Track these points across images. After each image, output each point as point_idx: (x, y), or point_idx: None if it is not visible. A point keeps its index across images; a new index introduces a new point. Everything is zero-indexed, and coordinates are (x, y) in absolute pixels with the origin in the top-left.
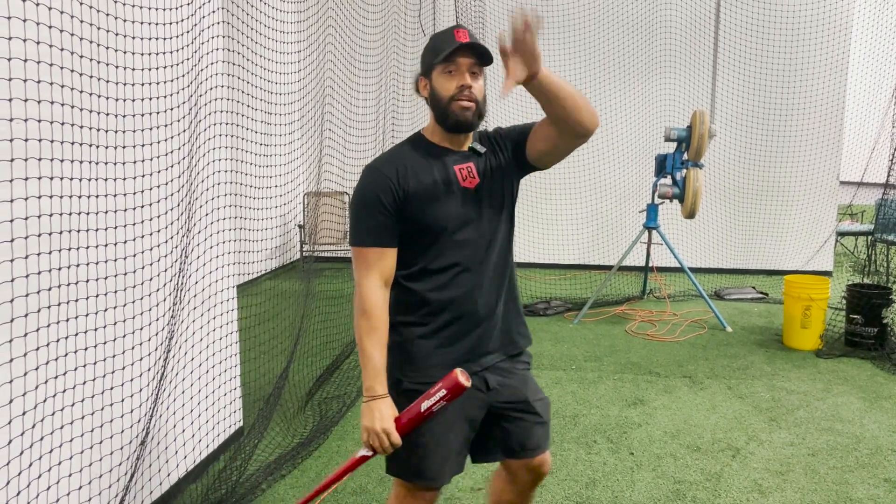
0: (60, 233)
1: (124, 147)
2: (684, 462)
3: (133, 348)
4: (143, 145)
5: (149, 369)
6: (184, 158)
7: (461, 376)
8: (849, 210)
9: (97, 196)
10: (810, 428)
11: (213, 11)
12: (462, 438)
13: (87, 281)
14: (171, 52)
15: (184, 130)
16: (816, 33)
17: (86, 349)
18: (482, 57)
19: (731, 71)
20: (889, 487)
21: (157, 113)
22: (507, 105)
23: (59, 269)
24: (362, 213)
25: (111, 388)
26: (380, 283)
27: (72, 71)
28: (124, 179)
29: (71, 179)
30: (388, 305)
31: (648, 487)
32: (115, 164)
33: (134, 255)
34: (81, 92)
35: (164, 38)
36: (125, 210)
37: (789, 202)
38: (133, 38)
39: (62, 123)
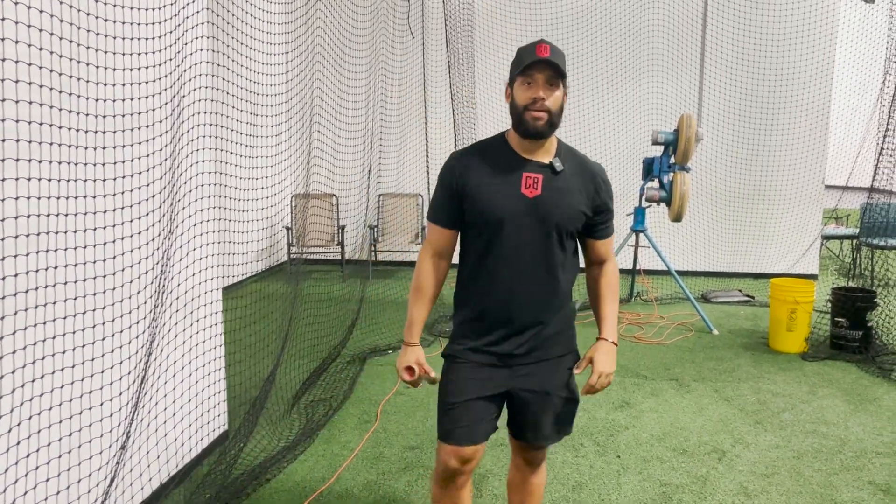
0: (38, 234)
1: (104, 148)
2: (671, 465)
3: (113, 351)
4: (123, 146)
5: (129, 373)
6: (166, 160)
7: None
8: (834, 214)
9: (76, 197)
10: (796, 430)
11: (198, 12)
12: (480, 411)
13: (66, 283)
14: (154, 53)
15: (166, 131)
16: (802, 38)
17: (63, 352)
18: (559, 71)
19: (717, 75)
20: (873, 490)
21: (139, 114)
22: (499, 114)
23: (38, 271)
24: (435, 192)
25: (90, 392)
26: (431, 253)
27: (51, 71)
28: (104, 181)
29: (49, 181)
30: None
31: (635, 490)
32: (94, 165)
33: (114, 258)
34: (61, 92)
35: (147, 39)
36: (105, 212)
37: (775, 206)
38: (115, 37)
39: (41, 124)
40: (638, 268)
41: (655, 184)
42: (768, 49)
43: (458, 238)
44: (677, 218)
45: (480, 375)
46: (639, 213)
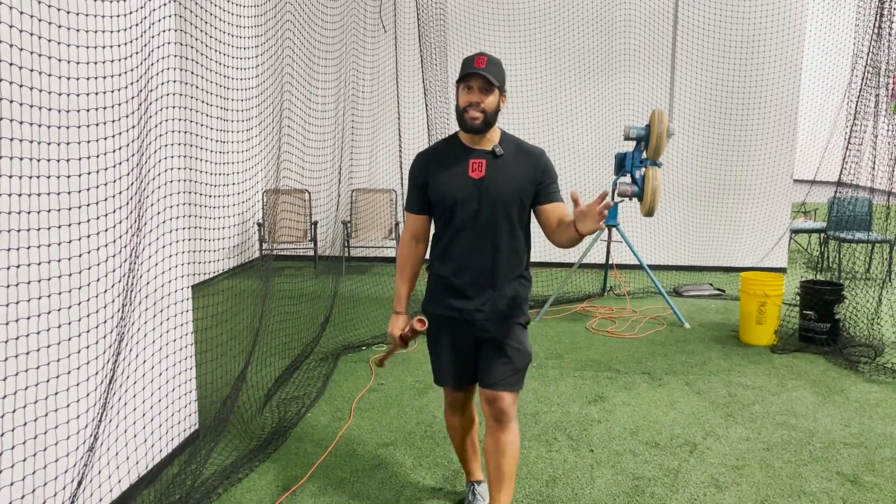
0: None
1: (68, 143)
2: (643, 458)
3: (80, 351)
4: (89, 141)
5: (96, 373)
6: (133, 155)
7: (417, 324)
8: (802, 208)
9: (40, 194)
10: (765, 423)
11: (165, 4)
12: (456, 360)
13: (29, 283)
14: (119, 46)
15: (133, 126)
16: (771, 34)
17: (28, 353)
18: (490, 82)
19: (688, 70)
20: (841, 481)
21: (105, 108)
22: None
23: None
24: (408, 188)
25: (55, 394)
26: (410, 236)
27: (10, 64)
28: (69, 177)
29: (10, 177)
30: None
31: (608, 484)
32: (59, 161)
33: (80, 256)
34: (21, 86)
35: (112, 31)
36: (70, 209)
37: (745, 200)
38: (78, 30)
39: (0, 119)
40: (610, 262)
41: (627, 179)
42: (738, 45)
43: (431, 222)
44: (649, 213)
45: (452, 333)
46: (611, 209)
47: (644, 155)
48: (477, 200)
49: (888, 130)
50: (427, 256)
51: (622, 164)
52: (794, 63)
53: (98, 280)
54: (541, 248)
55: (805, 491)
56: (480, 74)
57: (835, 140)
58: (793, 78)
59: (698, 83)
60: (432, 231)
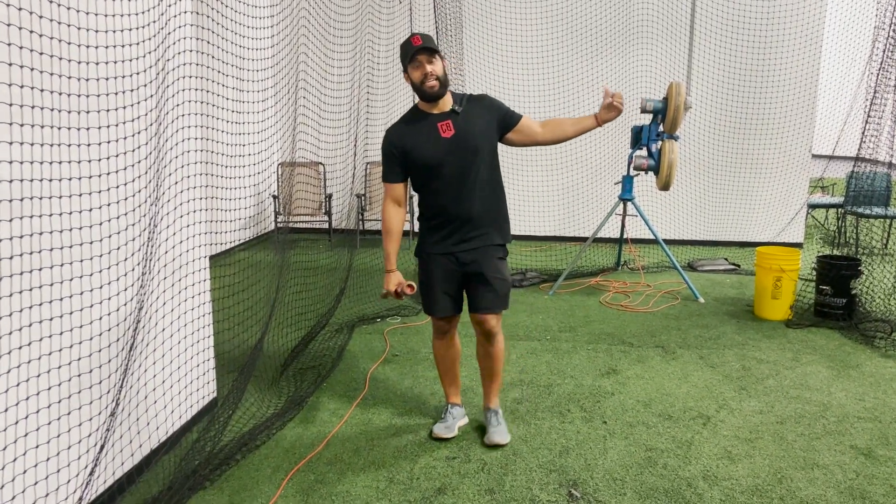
0: (21, 200)
1: (88, 112)
2: (656, 430)
3: (101, 318)
4: (107, 111)
5: (117, 340)
6: (150, 125)
7: (408, 289)
8: (820, 183)
9: (60, 162)
10: (779, 396)
11: None
12: (446, 292)
13: (52, 250)
14: (137, 15)
15: (150, 96)
16: (792, 6)
17: (51, 319)
18: (432, 50)
19: (707, 43)
20: (855, 454)
21: (123, 77)
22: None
23: (21, 237)
24: (383, 161)
25: (78, 359)
26: (392, 203)
27: (31, 32)
28: (88, 146)
29: (32, 145)
30: (418, 211)
31: (621, 455)
32: (79, 129)
33: (100, 224)
34: (41, 54)
35: (129, 0)
36: (90, 177)
37: (762, 175)
38: None
39: (21, 87)
40: (625, 236)
41: (644, 152)
42: (758, 17)
43: (408, 186)
44: (665, 187)
45: (443, 270)
46: (627, 182)
47: (661, 128)
48: (455, 155)
49: None
50: (416, 212)
51: (638, 138)
52: (814, 35)
53: (118, 248)
54: (556, 222)
55: (818, 464)
56: (422, 48)
57: (854, 114)
58: (813, 51)
59: (717, 56)
60: (413, 195)
